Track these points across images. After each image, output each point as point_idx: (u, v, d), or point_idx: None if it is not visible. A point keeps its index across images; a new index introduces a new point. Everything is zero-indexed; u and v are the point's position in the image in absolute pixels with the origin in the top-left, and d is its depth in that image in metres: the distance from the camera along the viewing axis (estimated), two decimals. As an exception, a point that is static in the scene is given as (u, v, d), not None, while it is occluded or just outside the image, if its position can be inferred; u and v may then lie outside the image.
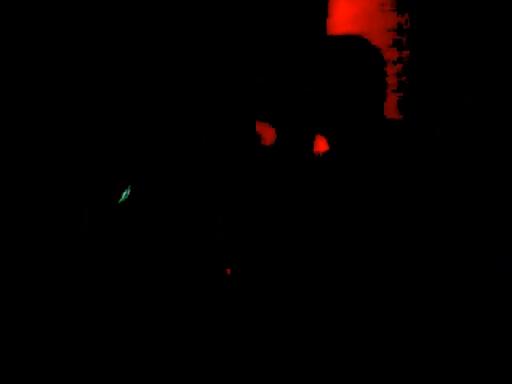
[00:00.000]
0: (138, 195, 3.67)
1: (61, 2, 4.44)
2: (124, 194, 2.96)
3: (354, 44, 3.23)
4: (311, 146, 3.68)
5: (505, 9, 4.02)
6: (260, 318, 3.12)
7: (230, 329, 3.09)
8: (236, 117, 3.97)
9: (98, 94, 4.20)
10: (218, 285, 3.24)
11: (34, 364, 3.02)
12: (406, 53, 4.29)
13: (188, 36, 4.41)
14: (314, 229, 3.31)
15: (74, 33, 4.42)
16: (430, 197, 3.30)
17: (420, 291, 3.12)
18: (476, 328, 2.98)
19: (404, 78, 4.17)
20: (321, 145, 3.52)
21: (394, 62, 4.22)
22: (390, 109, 3.90)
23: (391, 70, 4.17)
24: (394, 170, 3.28)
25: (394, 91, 4.09)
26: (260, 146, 3.80)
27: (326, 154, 3.40)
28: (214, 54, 4.28)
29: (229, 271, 3.30)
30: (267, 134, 3.88)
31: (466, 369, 2.88)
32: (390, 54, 4.26)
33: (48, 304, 3.24)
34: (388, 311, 3.05)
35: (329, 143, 3.36)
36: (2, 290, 3.29)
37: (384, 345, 2.93)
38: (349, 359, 2.92)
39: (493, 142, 3.79)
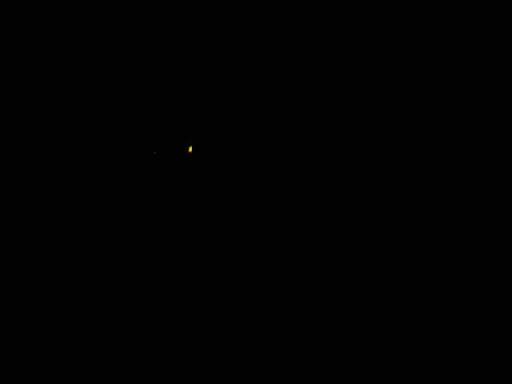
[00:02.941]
0: (138, 195, 3.67)
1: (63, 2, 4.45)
2: None
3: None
4: (311, 146, 3.68)
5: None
6: (260, 317, 3.12)
7: (231, 328, 3.09)
8: (236, 117, 3.97)
9: (98, 94, 4.20)
10: (217, 285, 3.24)
11: (34, 364, 3.02)
12: (405, 52, 4.29)
13: (188, 36, 4.41)
14: (314, 229, 3.31)
15: (75, 33, 4.43)
16: (430, 197, 3.30)
17: (420, 291, 3.11)
18: (476, 328, 2.98)
19: (404, 78, 4.17)
20: (321, 145, 3.52)
21: (394, 61, 4.22)
22: (390, 109, 3.90)
23: (391, 70, 4.17)
24: (393, 170, 3.28)
25: (393, 91, 4.09)
26: (260, 146, 3.80)
27: (325, 154, 3.40)
28: (214, 54, 4.28)
29: (229, 271, 3.30)
30: (267, 134, 3.88)
31: (466, 369, 2.88)
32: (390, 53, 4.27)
33: (48, 304, 3.25)
34: (388, 311, 3.05)
35: (329, 143, 3.35)
36: (2, 289, 3.29)
37: (384, 345, 2.93)
38: (349, 359, 2.92)
39: (493, 142, 3.79)
